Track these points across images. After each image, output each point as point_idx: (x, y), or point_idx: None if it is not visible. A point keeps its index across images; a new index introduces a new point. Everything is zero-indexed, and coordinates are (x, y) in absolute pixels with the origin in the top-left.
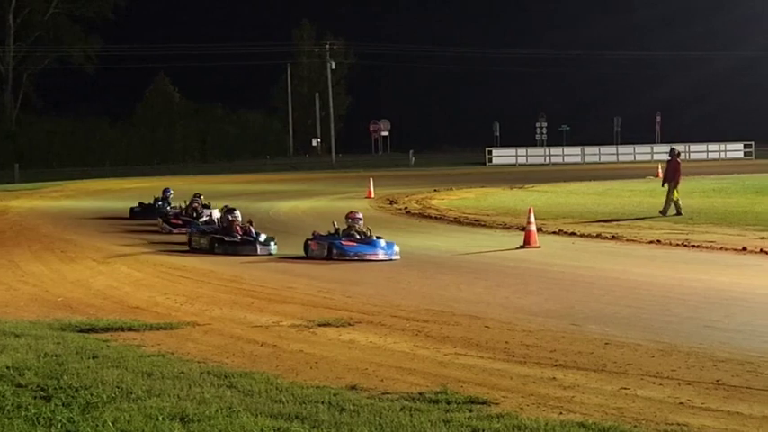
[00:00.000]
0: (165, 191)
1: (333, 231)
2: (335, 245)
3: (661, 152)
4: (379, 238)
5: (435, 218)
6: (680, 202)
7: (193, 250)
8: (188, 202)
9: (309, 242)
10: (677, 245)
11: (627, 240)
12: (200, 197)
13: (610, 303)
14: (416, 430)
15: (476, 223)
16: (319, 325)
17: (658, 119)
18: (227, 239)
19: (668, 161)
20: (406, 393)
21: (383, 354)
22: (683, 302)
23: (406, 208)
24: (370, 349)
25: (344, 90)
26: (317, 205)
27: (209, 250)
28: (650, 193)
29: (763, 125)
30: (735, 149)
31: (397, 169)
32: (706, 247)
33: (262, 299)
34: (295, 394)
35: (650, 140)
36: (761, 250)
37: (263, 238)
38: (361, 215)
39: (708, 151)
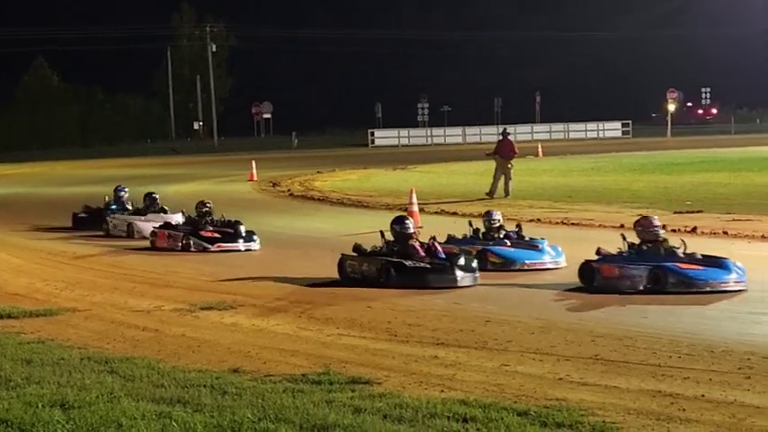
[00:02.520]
0: (119, 189)
1: (624, 250)
2: (672, 269)
3: (541, 131)
4: (717, 257)
5: (318, 200)
6: (499, 184)
7: (348, 279)
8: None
9: (597, 265)
10: (557, 223)
11: (508, 219)
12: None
13: (491, 281)
14: (299, 412)
15: (359, 204)
16: (202, 309)
17: (538, 99)
18: (410, 264)
19: (500, 141)
20: (289, 375)
21: (266, 336)
22: (561, 279)
23: (289, 190)
24: (253, 332)
25: (226, 73)
26: (200, 189)
27: (378, 279)
28: (531, 172)
29: (640, 104)
30: (613, 128)
31: (279, 152)
32: (585, 225)
33: (143, 284)
34: (177, 378)
35: (530, 120)
36: None
37: (461, 260)
38: (658, 221)
39: (586, 130)
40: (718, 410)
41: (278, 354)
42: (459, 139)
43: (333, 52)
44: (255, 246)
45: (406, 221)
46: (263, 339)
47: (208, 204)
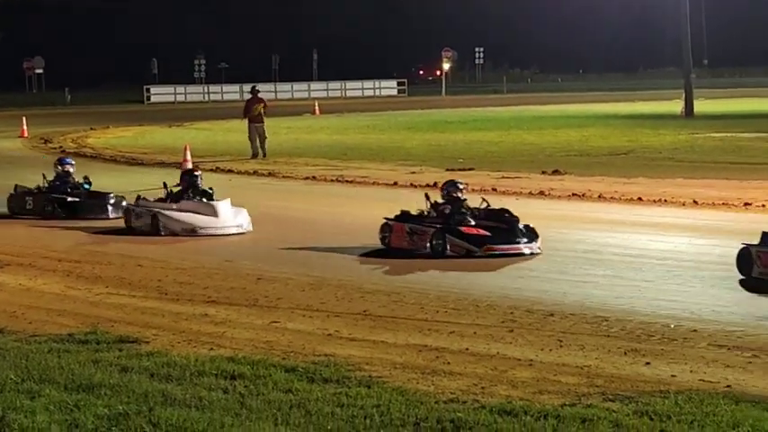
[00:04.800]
0: (63, 161)
1: None
2: None
3: (319, 89)
4: None
5: (91, 156)
6: (258, 143)
7: None
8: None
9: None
10: (332, 180)
11: (283, 177)
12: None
13: (263, 239)
14: (64, 372)
15: (132, 162)
16: None
17: (315, 56)
18: None
19: (248, 99)
20: (56, 335)
21: (33, 296)
22: (334, 236)
23: (61, 147)
24: (19, 292)
25: None
26: None
27: None
28: (307, 129)
29: (409, 62)
30: (389, 87)
31: (52, 108)
32: (360, 182)
33: None
34: None
35: (308, 78)
36: (411, 184)
37: None
38: None
39: (363, 88)
40: (482, 363)
41: (45, 313)
42: (237, 96)
43: (106, 7)
44: (538, 248)
45: None
46: (30, 299)
47: (460, 185)
